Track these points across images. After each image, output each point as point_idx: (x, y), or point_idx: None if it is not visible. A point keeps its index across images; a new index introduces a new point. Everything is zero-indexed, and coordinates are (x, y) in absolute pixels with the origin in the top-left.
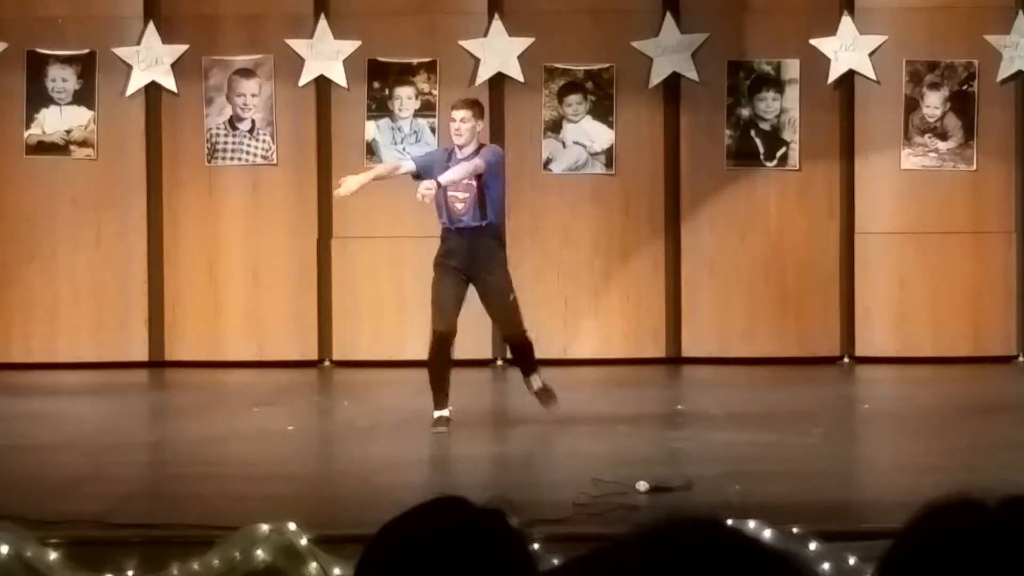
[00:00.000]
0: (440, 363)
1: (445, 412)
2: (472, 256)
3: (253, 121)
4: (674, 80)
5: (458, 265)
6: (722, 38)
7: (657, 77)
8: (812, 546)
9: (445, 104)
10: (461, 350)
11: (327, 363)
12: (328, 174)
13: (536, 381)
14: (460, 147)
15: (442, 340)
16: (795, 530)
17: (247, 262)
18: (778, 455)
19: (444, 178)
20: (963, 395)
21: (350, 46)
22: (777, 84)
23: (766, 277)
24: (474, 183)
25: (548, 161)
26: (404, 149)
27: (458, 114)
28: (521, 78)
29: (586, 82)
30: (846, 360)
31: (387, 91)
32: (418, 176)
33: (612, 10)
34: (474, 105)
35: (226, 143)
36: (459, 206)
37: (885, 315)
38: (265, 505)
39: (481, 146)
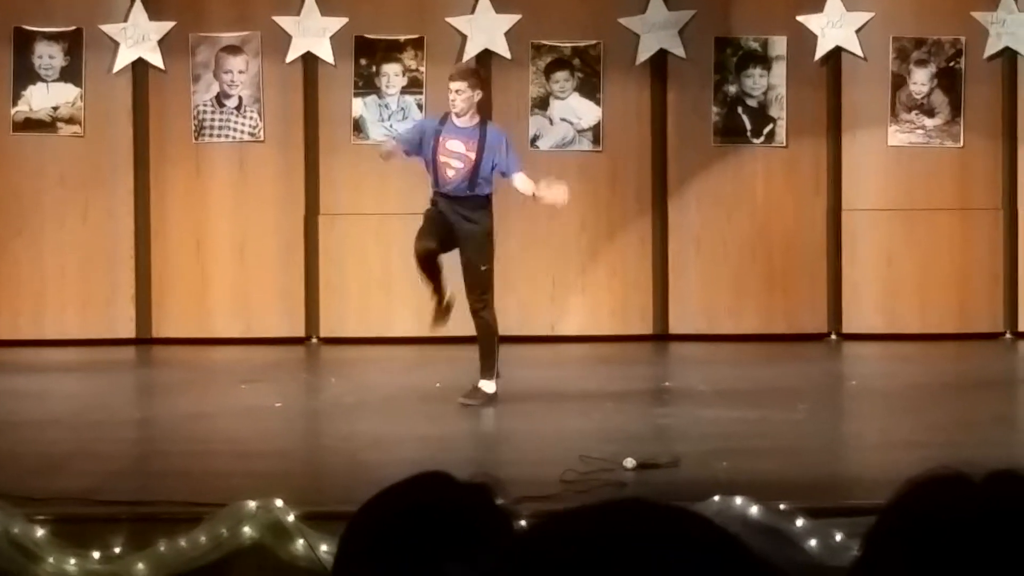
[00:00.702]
0: (427, 271)
1: (446, 296)
2: (459, 215)
3: (240, 98)
4: (661, 57)
5: (446, 217)
6: (709, 15)
7: (644, 54)
8: (799, 523)
9: (432, 81)
10: (448, 327)
11: (314, 340)
12: (315, 151)
13: (488, 386)
14: (458, 115)
15: (421, 257)
16: (782, 507)
17: (234, 239)
18: (765, 432)
19: (523, 183)
20: (950, 372)
21: (337, 23)
22: (764, 61)
23: (753, 254)
24: (472, 157)
25: (535, 138)
26: (391, 126)
27: (454, 85)
28: (508, 55)
29: (573, 59)
30: (833, 337)
31: (374, 68)
32: (409, 151)
33: None
34: (471, 75)
35: (213, 120)
36: (450, 173)
37: (872, 292)
38: (252, 482)
39: (484, 121)
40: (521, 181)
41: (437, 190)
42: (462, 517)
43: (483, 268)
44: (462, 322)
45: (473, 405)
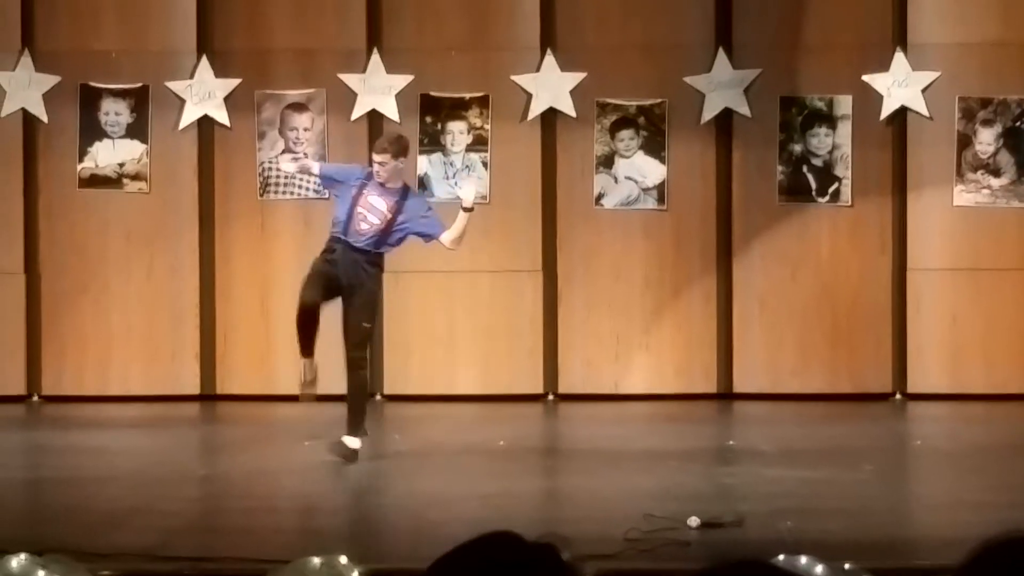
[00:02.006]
0: (307, 327)
1: (310, 361)
2: (352, 270)
3: (305, 155)
4: (726, 115)
5: (336, 271)
6: (774, 74)
7: (709, 112)
8: None
9: (497, 139)
10: (512, 385)
11: (379, 397)
12: None
13: (352, 442)
14: (383, 183)
15: (307, 309)
16: (847, 567)
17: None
18: (830, 491)
19: (449, 234)
20: (1016, 432)
21: (402, 80)
22: (829, 120)
23: (818, 313)
24: (389, 217)
25: (600, 196)
26: (456, 183)
27: (377, 157)
28: (573, 113)
29: (638, 117)
30: (898, 396)
31: (439, 126)
32: (322, 181)
33: (664, 45)
34: (392, 145)
35: (278, 177)
36: (364, 227)
37: (937, 352)
38: (316, 539)
39: (406, 187)
40: (449, 234)
41: (341, 237)
42: None
43: (365, 325)
44: (521, 379)
45: (341, 461)
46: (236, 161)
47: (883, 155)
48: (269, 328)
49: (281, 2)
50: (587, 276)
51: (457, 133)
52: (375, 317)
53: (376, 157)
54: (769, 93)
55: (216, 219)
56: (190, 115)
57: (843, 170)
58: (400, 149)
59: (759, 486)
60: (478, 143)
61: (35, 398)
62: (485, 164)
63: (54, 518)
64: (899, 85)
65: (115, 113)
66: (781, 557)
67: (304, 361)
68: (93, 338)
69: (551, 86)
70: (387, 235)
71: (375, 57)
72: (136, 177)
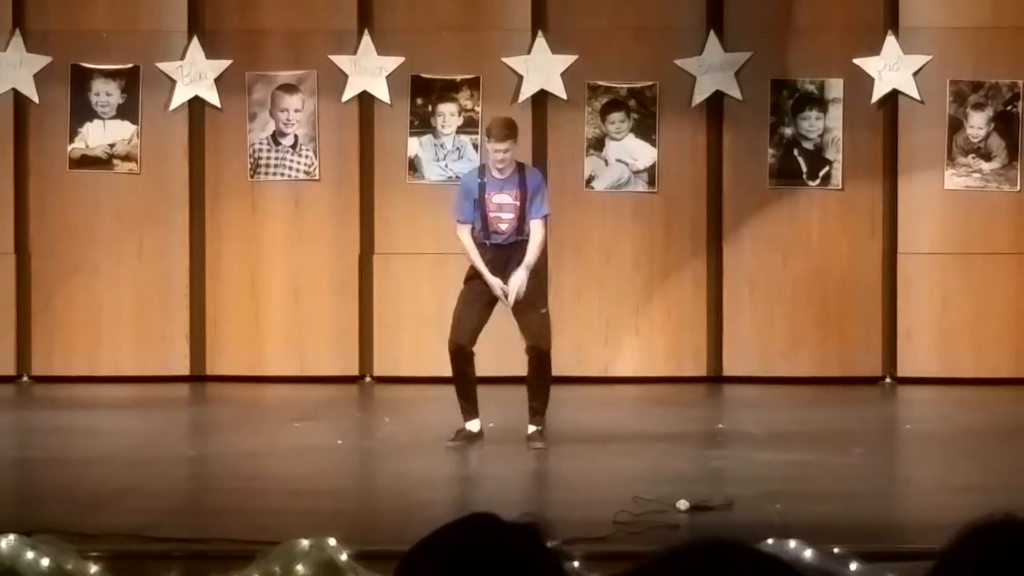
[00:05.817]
0: (460, 379)
1: (474, 425)
2: (507, 266)
3: (296, 136)
4: (717, 98)
5: (497, 273)
6: (766, 57)
7: (700, 95)
8: (853, 566)
9: (488, 121)
10: (500, 367)
11: (368, 379)
12: (371, 190)
13: (540, 422)
14: (501, 172)
15: (455, 355)
16: (836, 550)
17: (289, 277)
18: (819, 475)
19: (532, 235)
20: (1005, 416)
21: (393, 62)
22: (820, 103)
23: (808, 296)
24: (518, 204)
25: (590, 179)
26: (446, 165)
27: (501, 146)
28: (564, 95)
29: (629, 100)
30: (888, 380)
31: (430, 107)
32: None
33: (655, 28)
34: (513, 132)
35: (269, 158)
36: (503, 226)
37: (927, 335)
38: (305, 520)
39: (521, 166)
40: (533, 230)
41: (486, 241)
42: (510, 558)
43: (542, 312)
44: (509, 361)
45: (544, 447)
46: (227, 142)
47: (874, 138)
48: (259, 309)
49: None
50: (577, 259)
51: (448, 115)
52: (546, 301)
53: (499, 146)
54: (760, 76)
55: (206, 200)
56: (181, 96)
57: (834, 153)
58: (516, 133)
59: (748, 469)
60: (469, 125)
61: (25, 378)
62: (475, 146)
63: (43, 499)
64: (890, 68)
65: (106, 94)
66: (770, 541)
67: (467, 427)
68: (83, 319)
69: (542, 68)
70: (524, 219)
71: (366, 38)
72: (127, 158)
